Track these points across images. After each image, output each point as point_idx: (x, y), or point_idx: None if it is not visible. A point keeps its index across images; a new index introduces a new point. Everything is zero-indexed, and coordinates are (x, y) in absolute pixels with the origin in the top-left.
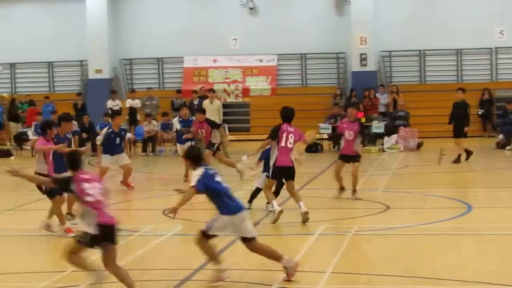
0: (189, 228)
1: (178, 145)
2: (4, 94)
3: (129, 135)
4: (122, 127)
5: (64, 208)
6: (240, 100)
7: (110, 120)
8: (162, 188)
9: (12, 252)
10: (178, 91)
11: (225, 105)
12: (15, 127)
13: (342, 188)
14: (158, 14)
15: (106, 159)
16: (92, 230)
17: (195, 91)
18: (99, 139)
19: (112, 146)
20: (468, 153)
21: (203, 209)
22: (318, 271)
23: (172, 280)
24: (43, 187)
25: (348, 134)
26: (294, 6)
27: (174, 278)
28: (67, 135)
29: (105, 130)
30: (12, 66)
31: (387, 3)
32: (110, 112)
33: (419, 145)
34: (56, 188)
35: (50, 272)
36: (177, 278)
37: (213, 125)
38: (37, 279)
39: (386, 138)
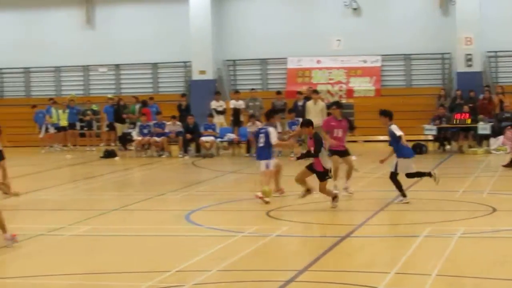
0: (293, 229)
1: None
2: (110, 95)
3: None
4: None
5: None
6: (344, 101)
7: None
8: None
9: (117, 252)
10: (278, 92)
11: (328, 106)
12: (120, 128)
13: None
14: (262, 15)
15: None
16: None
17: (299, 92)
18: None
19: None
20: None
21: (308, 210)
22: (423, 273)
23: (276, 281)
24: None
25: (336, 132)
26: (398, 6)
27: (279, 279)
28: None
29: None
30: (117, 67)
31: (492, 3)
32: (214, 112)
33: None
34: None
35: (154, 272)
36: (282, 279)
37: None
38: (141, 279)
39: (492, 140)
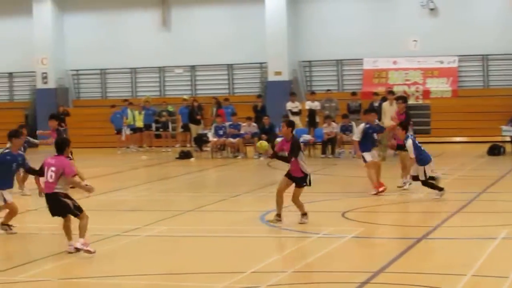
0: (369, 231)
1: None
2: (185, 97)
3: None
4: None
5: None
6: (420, 102)
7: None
8: (342, 190)
9: (192, 252)
10: (353, 94)
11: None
12: (195, 129)
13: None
14: (337, 16)
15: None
16: None
17: (375, 93)
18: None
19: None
20: None
21: (384, 212)
22: (500, 276)
23: (351, 283)
24: None
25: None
26: (475, 7)
27: (354, 281)
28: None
29: (362, 125)
30: (193, 68)
31: None
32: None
33: None
34: None
35: (229, 273)
36: (357, 281)
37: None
38: (217, 280)
39: None
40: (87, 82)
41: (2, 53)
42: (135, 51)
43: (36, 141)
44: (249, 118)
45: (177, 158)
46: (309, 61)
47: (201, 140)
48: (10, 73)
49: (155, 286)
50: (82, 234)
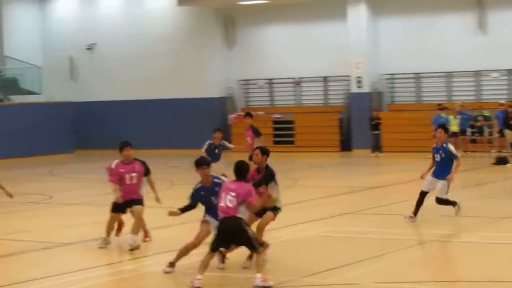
0: None
1: None
2: (501, 101)
3: None
4: None
5: None
6: None
7: None
8: None
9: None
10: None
11: None
12: (510, 134)
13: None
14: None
15: None
16: None
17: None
18: None
19: None
20: None
21: None
22: None
23: None
24: None
25: None
26: None
27: None
28: None
29: None
30: (510, 72)
31: None
32: None
33: None
34: None
35: None
36: None
37: None
38: None
39: None
40: (401, 86)
41: (318, 58)
42: (449, 54)
43: (230, 145)
44: None
45: (493, 163)
46: None
47: None
48: (325, 77)
49: None
50: (260, 269)
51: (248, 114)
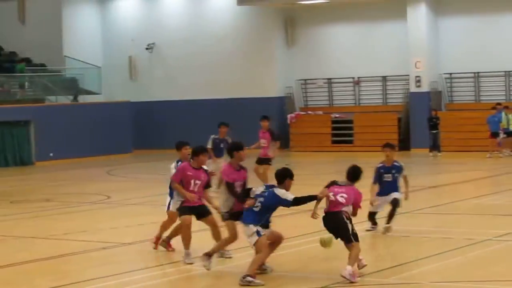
0: None
1: None
2: None
3: None
4: None
5: None
6: None
7: None
8: None
9: None
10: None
11: None
12: None
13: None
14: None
15: None
16: None
17: None
18: None
19: None
20: None
21: None
22: None
23: None
24: None
25: None
26: None
27: None
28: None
29: None
30: None
31: None
32: None
33: None
34: None
35: None
36: None
37: None
38: None
39: None
40: (460, 85)
41: (378, 57)
42: (508, 54)
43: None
44: None
45: None
46: None
47: None
48: (384, 77)
49: None
50: (352, 262)
51: (265, 117)
